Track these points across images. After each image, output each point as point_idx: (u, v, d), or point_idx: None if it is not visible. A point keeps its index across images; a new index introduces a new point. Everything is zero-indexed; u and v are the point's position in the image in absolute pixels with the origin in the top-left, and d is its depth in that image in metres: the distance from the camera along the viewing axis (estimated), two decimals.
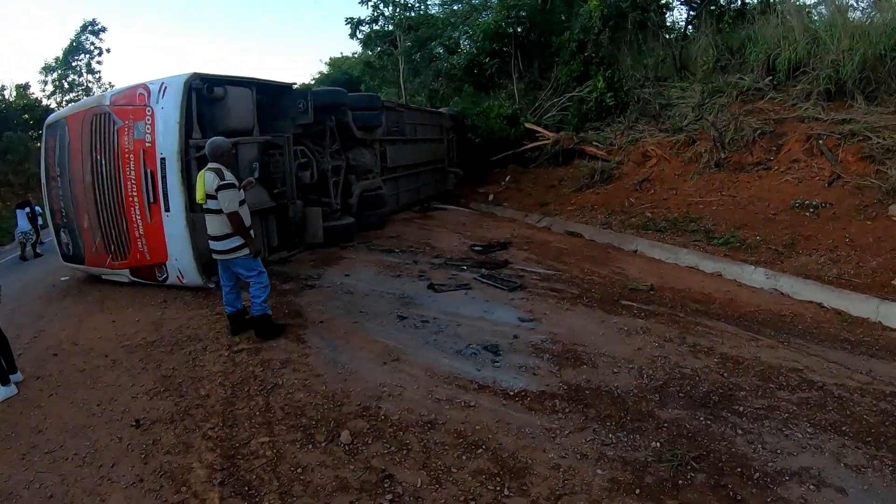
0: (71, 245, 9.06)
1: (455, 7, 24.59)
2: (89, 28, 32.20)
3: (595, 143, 14.90)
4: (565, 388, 4.43)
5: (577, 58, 17.11)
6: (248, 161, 8.06)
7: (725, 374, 4.57)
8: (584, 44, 17.10)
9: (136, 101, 7.58)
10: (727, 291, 7.04)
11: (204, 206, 5.39)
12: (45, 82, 30.52)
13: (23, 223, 13.23)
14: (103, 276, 8.67)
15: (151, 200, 7.34)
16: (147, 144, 7.35)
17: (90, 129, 8.01)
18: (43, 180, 9.45)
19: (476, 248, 9.48)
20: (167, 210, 7.18)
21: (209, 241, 5.52)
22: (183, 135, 7.05)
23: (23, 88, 23.88)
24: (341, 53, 48.45)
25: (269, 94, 8.94)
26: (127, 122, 7.61)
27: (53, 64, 31.07)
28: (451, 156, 17.13)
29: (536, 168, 16.28)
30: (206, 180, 5.27)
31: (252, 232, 5.54)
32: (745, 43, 13.91)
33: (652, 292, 6.94)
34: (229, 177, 5.29)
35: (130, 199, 7.64)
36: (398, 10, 25.43)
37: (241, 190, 5.52)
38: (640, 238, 9.75)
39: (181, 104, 7.09)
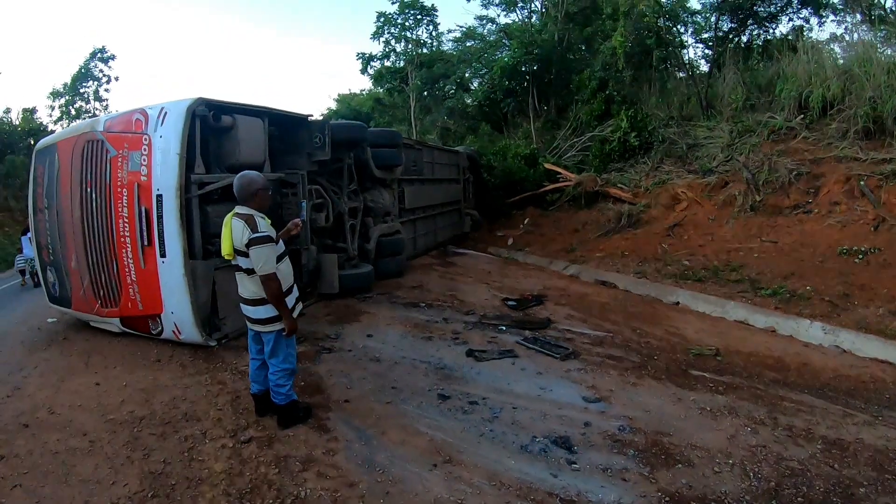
0: (57, 286, 7.94)
1: (468, 43, 23.96)
2: (98, 55, 31.41)
3: (620, 186, 14.14)
4: (667, 499, 3.57)
5: (599, 96, 16.55)
6: None
7: (836, 466, 3.93)
8: (605, 82, 16.55)
9: (133, 127, 6.53)
10: (797, 353, 6.31)
11: (232, 262, 4.24)
12: (53, 107, 29.66)
13: (28, 250, 12.54)
14: (92, 324, 7.46)
15: (145, 243, 6.22)
16: (142, 178, 6.31)
17: (81, 157, 7.02)
18: (30, 211, 8.35)
19: (510, 302, 8.50)
20: (163, 255, 6.11)
21: (240, 302, 4.36)
22: (183, 169, 6.02)
23: (29, 112, 23.12)
24: (349, 90, 47.76)
25: (283, 126, 7.91)
26: (121, 152, 6.55)
27: (61, 89, 30.16)
28: (467, 197, 16.09)
29: (556, 211, 15.42)
30: (233, 230, 4.09)
31: (294, 295, 4.38)
32: (773, 80, 13.33)
33: (719, 358, 6.14)
34: (264, 227, 4.09)
35: (122, 239, 6.56)
36: (410, 46, 24.83)
37: (280, 241, 4.37)
38: (679, 288, 8.95)
39: (183, 133, 6.03)
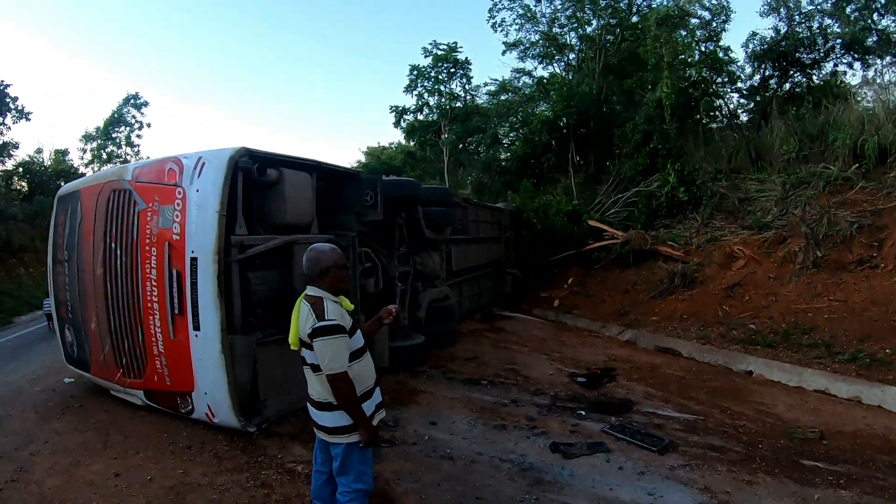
0: (76, 346, 7.06)
1: (503, 97, 23.16)
2: (132, 101, 31.53)
3: (670, 243, 13.12)
4: None
5: (643, 150, 15.66)
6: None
7: None
8: (649, 135, 15.66)
9: (165, 178, 5.69)
10: None
11: (300, 354, 3.27)
12: (84, 150, 29.55)
13: None
14: (112, 392, 6.54)
15: (176, 311, 5.36)
16: (174, 237, 5.46)
17: (106, 208, 6.21)
18: (49, 263, 7.51)
19: (579, 379, 7.61)
20: (196, 328, 5.21)
21: (307, 402, 3.37)
22: (223, 228, 5.15)
23: (61, 154, 22.64)
24: (378, 143, 46.46)
25: (330, 182, 6.95)
26: (150, 205, 5.72)
27: (94, 133, 30.08)
28: (509, 255, 15.07)
29: (602, 270, 14.33)
30: (300, 317, 3.16)
31: (374, 400, 3.38)
32: (824, 129, 12.62)
33: (825, 442, 5.45)
34: (334, 312, 3.10)
35: (149, 305, 5.67)
36: (444, 99, 24.11)
37: (356, 332, 3.34)
38: (750, 355, 8.33)
39: (223, 187, 5.20)
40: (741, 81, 16.82)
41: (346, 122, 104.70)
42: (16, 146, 17.60)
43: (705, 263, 11.78)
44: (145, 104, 31.75)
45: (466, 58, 24.14)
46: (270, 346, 5.56)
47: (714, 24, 15.07)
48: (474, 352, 9.11)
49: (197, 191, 5.35)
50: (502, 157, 22.34)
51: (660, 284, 12.08)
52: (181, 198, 5.44)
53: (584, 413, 6.17)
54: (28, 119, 17.09)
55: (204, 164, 5.42)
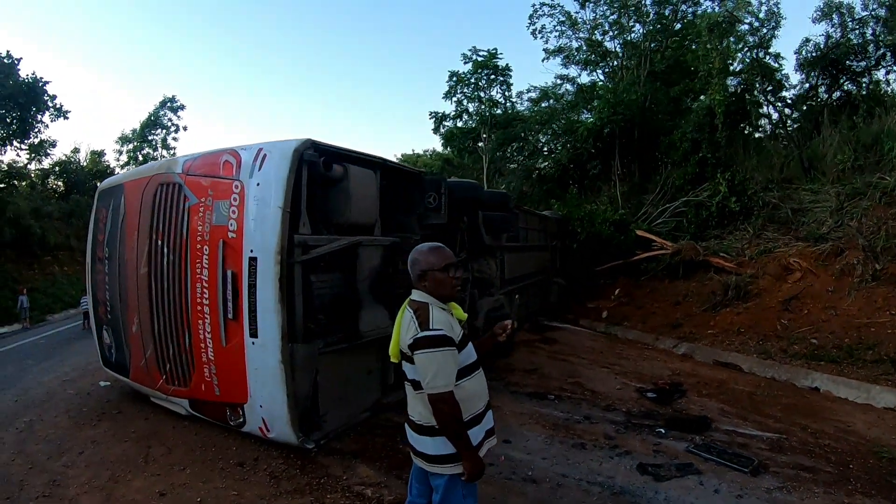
0: (114, 349, 6.58)
1: (544, 104, 22.57)
2: (168, 104, 31.43)
3: (722, 254, 12.50)
4: None
5: (692, 159, 14.94)
6: (368, 271, 5.44)
7: None
8: (697, 143, 14.94)
9: (220, 170, 5.18)
10: None
11: (401, 368, 2.74)
12: (121, 152, 29.52)
13: None
14: (153, 399, 6.03)
15: (230, 316, 4.86)
16: (230, 234, 4.92)
17: (153, 203, 5.70)
18: (88, 260, 7.05)
19: (649, 394, 7.09)
20: (254, 335, 4.72)
21: (405, 423, 2.82)
22: (287, 226, 4.65)
23: (97, 155, 22.38)
24: (412, 150, 45.75)
25: (392, 181, 6.31)
26: (203, 200, 5.21)
27: (130, 135, 29.94)
28: (554, 265, 14.40)
29: (650, 280, 13.68)
30: (402, 325, 2.63)
31: (483, 426, 2.75)
32: (879, 138, 12.09)
33: None
34: (440, 320, 2.54)
35: (199, 308, 5.17)
36: (484, 106, 23.42)
37: (468, 344, 2.76)
38: (814, 371, 7.99)
39: (287, 181, 4.69)
40: (786, 90, 16.10)
41: (379, 129, 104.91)
42: (53, 144, 17.33)
43: (759, 275, 11.24)
44: (182, 107, 31.88)
45: (507, 64, 23.46)
46: (331, 354, 5.02)
47: (764, 31, 14.39)
48: (533, 363, 8.62)
49: (258, 185, 4.81)
50: (543, 164, 21.61)
51: (712, 297, 11.42)
52: (238, 192, 4.92)
53: (663, 431, 5.70)
54: (66, 118, 16.75)
55: (265, 155, 4.90)
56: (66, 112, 16.46)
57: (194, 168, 5.47)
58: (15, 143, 16.05)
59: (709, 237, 13.62)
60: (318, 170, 4.98)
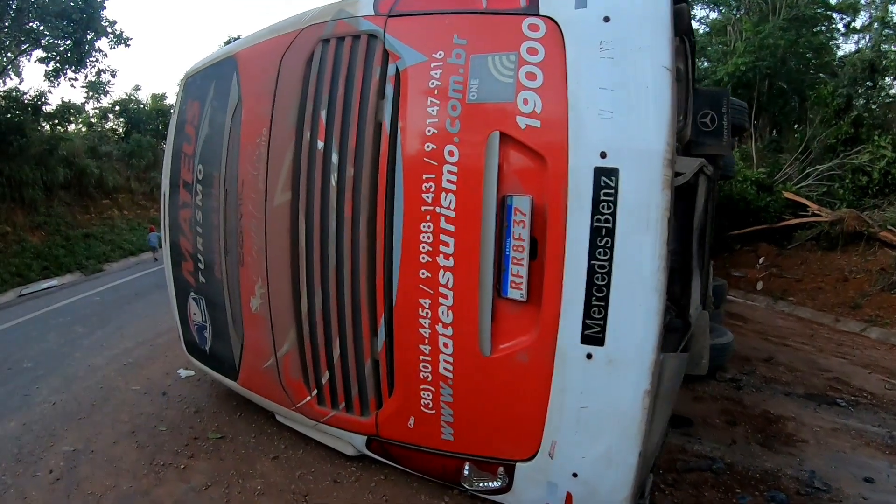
0: (210, 334, 3.75)
1: None
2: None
3: (889, 227, 9.92)
4: None
5: (846, 117, 11.96)
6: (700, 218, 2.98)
7: None
8: (850, 99, 12.19)
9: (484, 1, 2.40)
10: None
11: None
12: None
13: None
14: (281, 418, 3.40)
15: (513, 294, 2.26)
16: (524, 122, 2.24)
17: (305, 74, 2.93)
18: (164, 187, 4.06)
19: None
20: (592, 339, 2.12)
21: None
22: (675, 110, 2.09)
23: (159, 98, 19.47)
24: None
25: None
26: (437, 57, 2.44)
27: None
28: None
29: (798, 250, 11.01)
30: None
31: None
32: None
33: None
34: None
35: (419, 274, 2.48)
36: None
37: None
38: None
39: (669, 17, 2.07)
40: None
41: None
42: (113, 73, 14.38)
43: None
44: None
45: None
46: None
47: None
48: (753, 347, 6.44)
49: (605, 20, 2.11)
50: None
51: (885, 275, 9.06)
52: (543, 37, 2.21)
53: None
54: (127, 45, 13.76)
55: None
56: (128, 39, 13.57)
57: (413, 3, 2.60)
58: (70, 72, 13.19)
59: (866, 206, 10.93)
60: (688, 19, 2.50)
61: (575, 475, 2.29)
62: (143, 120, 17.98)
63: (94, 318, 6.84)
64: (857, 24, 14.91)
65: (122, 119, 18.00)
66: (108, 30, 13.45)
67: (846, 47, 15.41)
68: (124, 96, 18.20)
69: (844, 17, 14.41)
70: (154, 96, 19.72)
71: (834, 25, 14.79)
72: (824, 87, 12.69)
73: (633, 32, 2.07)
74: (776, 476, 3.32)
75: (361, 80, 2.62)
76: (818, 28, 14.54)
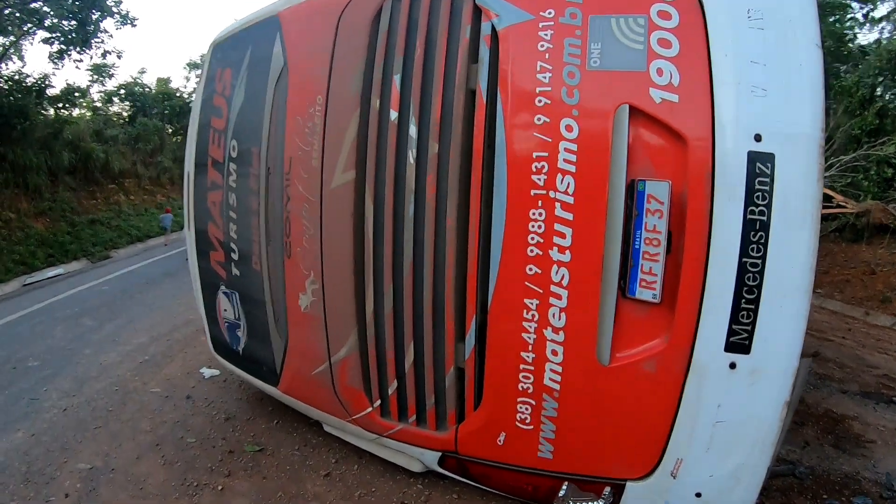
0: (244, 333, 3.32)
1: None
2: None
3: None
4: None
5: (870, 108, 11.81)
6: None
7: None
8: (874, 90, 12.08)
9: None
10: None
11: None
12: (188, 79, 25.05)
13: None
14: (329, 428, 3.03)
15: (643, 295, 1.88)
16: (659, 95, 1.85)
17: (368, 33, 2.48)
18: (188, 166, 3.60)
19: None
20: (738, 347, 1.77)
21: None
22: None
23: (164, 82, 18.99)
24: None
25: None
26: (546, 15, 2.02)
27: (199, 62, 26.03)
28: None
29: (823, 241, 10.67)
30: None
31: None
32: None
33: None
34: None
35: (522, 271, 2.06)
36: None
37: None
38: None
39: None
40: None
41: None
42: (119, 55, 13.86)
43: None
44: None
45: None
46: None
47: None
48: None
49: None
50: None
51: None
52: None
53: None
54: (133, 25, 13.23)
55: None
56: (134, 19, 13.06)
57: None
58: (74, 53, 12.68)
59: (890, 199, 10.77)
60: None
61: (698, 495, 2.00)
62: (149, 103, 17.53)
63: (104, 310, 6.41)
64: (877, 14, 14.79)
65: (127, 103, 17.52)
66: (114, 9, 12.95)
67: (866, 37, 15.21)
68: (130, 80, 17.77)
69: (864, 6, 14.11)
70: (160, 80, 19.30)
71: (852, 14, 14.51)
72: (849, 78, 12.51)
73: (784, 1, 1.81)
74: (856, 479, 3.08)
75: (447, 41, 2.22)
76: (835, 17, 14.36)
